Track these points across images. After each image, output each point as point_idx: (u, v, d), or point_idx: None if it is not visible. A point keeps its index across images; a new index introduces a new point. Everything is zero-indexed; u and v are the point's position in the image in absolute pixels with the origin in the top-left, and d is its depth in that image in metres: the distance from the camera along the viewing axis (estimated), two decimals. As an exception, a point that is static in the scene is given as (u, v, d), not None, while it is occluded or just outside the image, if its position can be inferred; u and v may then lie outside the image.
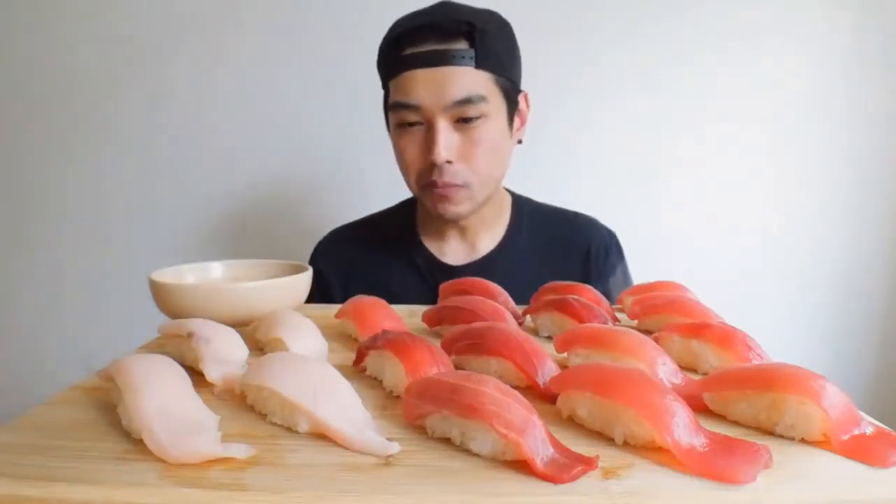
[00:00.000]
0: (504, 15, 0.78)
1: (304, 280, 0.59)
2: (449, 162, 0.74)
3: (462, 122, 0.74)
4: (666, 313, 0.53)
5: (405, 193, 0.95)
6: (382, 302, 0.55)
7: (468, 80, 0.72)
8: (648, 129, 1.18)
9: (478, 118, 0.73)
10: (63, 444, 0.32)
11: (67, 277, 1.27)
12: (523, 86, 0.82)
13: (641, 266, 0.94)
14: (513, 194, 0.92)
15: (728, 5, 1.14)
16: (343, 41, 1.17)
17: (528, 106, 0.84)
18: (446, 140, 0.73)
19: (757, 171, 1.20)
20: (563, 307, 0.53)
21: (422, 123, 0.75)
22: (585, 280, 0.84)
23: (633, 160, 1.19)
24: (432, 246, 0.87)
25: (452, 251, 0.87)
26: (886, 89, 1.16)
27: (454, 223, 0.84)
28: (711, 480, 0.28)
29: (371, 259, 0.88)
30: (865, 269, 1.22)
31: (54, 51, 1.20)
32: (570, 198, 0.98)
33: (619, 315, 0.60)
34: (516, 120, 0.81)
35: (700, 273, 1.15)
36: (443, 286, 0.67)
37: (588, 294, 0.59)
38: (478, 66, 0.72)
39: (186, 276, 0.61)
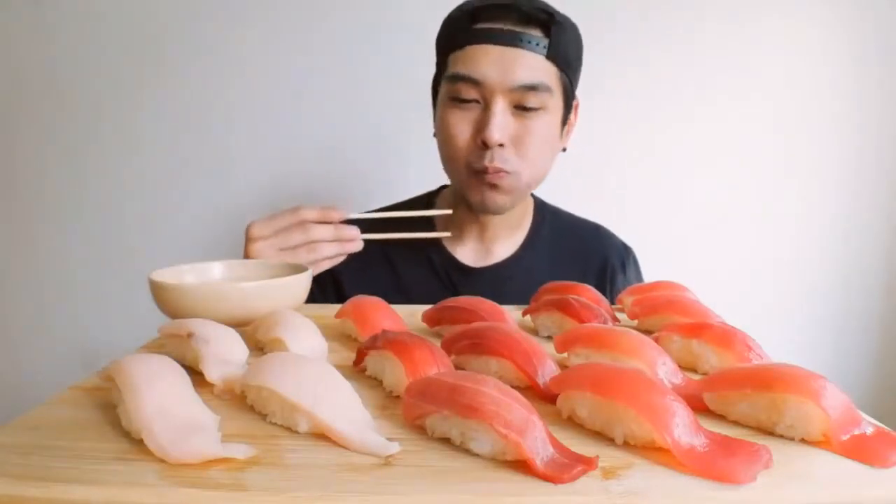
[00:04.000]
0: None
1: (304, 280, 0.59)
2: (501, 145, 0.71)
3: (520, 109, 0.71)
4: (666, 313, 0.53)
5: (405, 195, 0.95)
6: (383, 302, 0.55)
7: (537, 67, 0.70)
8: (648, 130, 1.18)
9: (537, 109, 0.71)
10: (63, 444, 0.32)
11: (67, 277, 1.27)
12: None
13: (641, 266, 0.94)
14: (536, 199, 0.90)
15: (729, 5, 1.14)
16: (347, 43, 1.17)
17: (576, 116, 0.82)
18: (502, 121, 0.70)
19: (757, 171, 1.20)
20: (563, 307, 0.53)
21: (478, 102, 0.72)
22: (601, 292, 0.82)
23: (632, 160, 1.19)
24: (450, 245, 0.85)
25: (470, 252, 0.85)
26: (886, 89, 1.16)
27: (477, 221, 0.81)
28: (711, 480, 0.28)
29: (385, 252, 0.85)
30: (865, 269, 1.22)
31: (57, 51, 1.20)
32: (571, 198, 0.98)
33: (619, 315, 0.60)
34: (567, 126, 0.79)
35: (700, 273, 1.15)
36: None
37: (588, 294, 0.59)
38: (548, 56, 0.71)
39: (186, 276, 0.61)
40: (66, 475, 0.29)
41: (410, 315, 0.59)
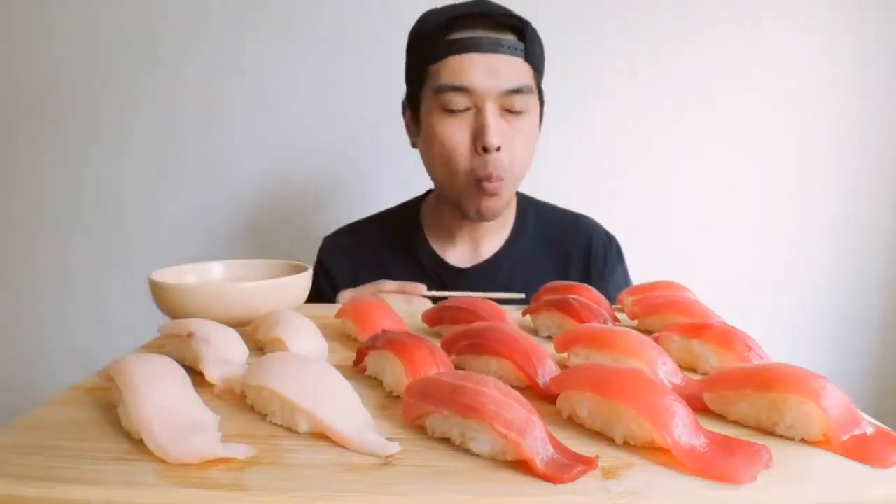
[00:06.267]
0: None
1: (304, 280, 0.59)
2: (499, 148, 0.73)
3: (508, 112, 0.74)
4: (666, 313, 0.53)
5: (407, 195, 0.95)
6: (383, 302, 0.55)
7: (520, 70, 0.74)
8: (646, 130, 1.18)
9: (523, 111, 0.74)
10: (63, 444, 0.32)
11: (67, 277, 1.27)
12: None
13: (641, 266, 0.94)
14: (518, 194, 0.91)
15: (729, 5, 1.14)
16: (350, 44, 1.17)
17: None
18: (497, 125, 0.73)
19: (757, 171, 1.20)
20: (563, 307, 0.53)
21: (469, 109, 0.74)
22: (586, 281, 0.84)
23: (634, 160, 1.19)
24: (438, 247, 0.87)
25: (459, 253, 0.86)
26: (886, 88, 1.16)
27: (467, 224, 0.83)
28: (711, 480, 0.28)
29: (377, 257, 0.88)
30: (865, 269, 1.22)
31: (57, 51, 1.20)
32: (572, 198, 0.98)
33: (619, 315, 0.60)
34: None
35: (700, 273, 1.15)
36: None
37: (588, 294, 0.59)
38: (526, 58, 0.74)
39: (186, 276, 0.61)
40: (66, 475, 0.29)
41: (410, 315, 0.59)
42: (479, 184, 0.75)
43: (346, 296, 0.75)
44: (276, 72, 1.18)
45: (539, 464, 0.29)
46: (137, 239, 1.25)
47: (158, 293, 0.53)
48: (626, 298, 0.61)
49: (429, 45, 0.75)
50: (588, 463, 0.29)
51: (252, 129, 1.21)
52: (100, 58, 1.20)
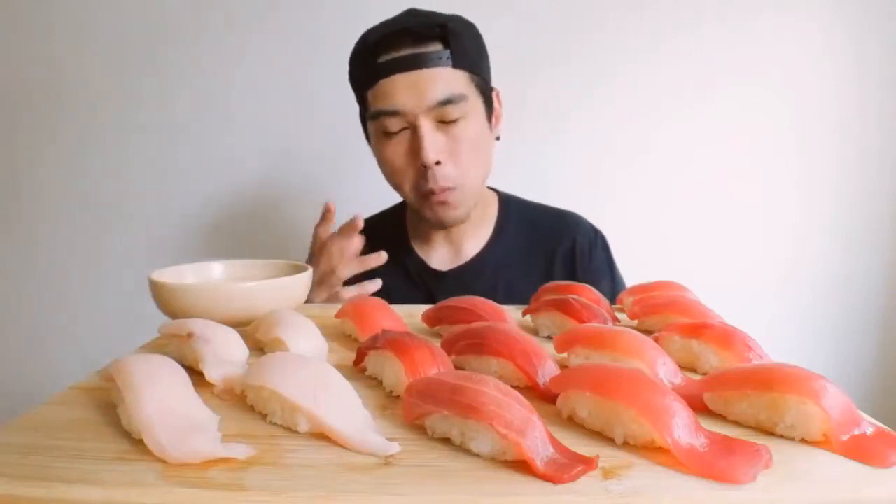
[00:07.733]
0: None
1: (304, 280, 0.59)
2: (438, 163, 0.73)
3: (444, 123, 0.74)
4: (666, 313, 0.53)
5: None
6: (383, 302, 0.55)
7: (447, 80, 0.72)
8: (649, 129, 1.18)
9: (460, 118, 0.74)
10: (63, 444, 0.32)
11: (68, 277, 1.27)
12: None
13: (641, 266, 0.93)
14: (499, 193, 0.91)
15: (729, 3, 1.14)
16: (342, 44, 1.16)
17: (500, 103, 0.84)
18: (432, 141, 0.73)
19: (758, 171, 1.20)
20: (563, 307, 0.53)
21: (405, 129, 0.74)
22: (572, 277, 0.84)
23: (633, 159, 1.19)
24: (422, 251, 0.87)
25: (440, 256, 0.87)
26: (887, 87, 1.16)
27: (441, 228, 0.83)
28: (711, 480, 0.28)
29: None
30: (865, 269, 1.22)
31: (57, 51, 1.20)
32: (572, 198, 0.98)
33: (619, 315, 0.60)
34: (493, 118, 0.82)
35: (700, 273, 1.15)
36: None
37: (588, 294, 0.59)
38: (455, 65, 0.73)
39: (186, 276, 0.61)
40: (66, 475, 0.29)
41: (410, 315, 0.59)
42: (427, 196, 0.76)
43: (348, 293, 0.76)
44: (276, 72, 1.18)
45: (539, 464, 0.29)
46: (137, 239, 1.25)
47: (158, 293, 0.53)
48: (626, 298, 0.61)
49: (361, 70, 0.76)
50: (588, 463, 0.29)
51: (252, 129, 1.21)
52: (100, 58, 1.20)
